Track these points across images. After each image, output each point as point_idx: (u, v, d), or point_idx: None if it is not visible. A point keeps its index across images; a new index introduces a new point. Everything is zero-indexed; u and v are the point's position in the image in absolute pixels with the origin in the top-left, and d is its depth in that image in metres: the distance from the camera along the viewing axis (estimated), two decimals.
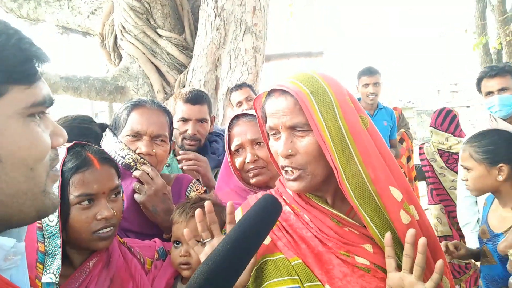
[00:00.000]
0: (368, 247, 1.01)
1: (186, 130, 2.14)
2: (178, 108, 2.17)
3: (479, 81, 2.57)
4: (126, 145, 1.47)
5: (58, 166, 0.70)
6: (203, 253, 1.08)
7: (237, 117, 1.65)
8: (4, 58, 0.58)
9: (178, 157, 1.99)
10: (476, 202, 2.54)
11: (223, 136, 2.34)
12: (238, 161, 1.58)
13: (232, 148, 1.60)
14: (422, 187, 4.73)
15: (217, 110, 3.89)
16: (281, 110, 1.02)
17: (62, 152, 1.19)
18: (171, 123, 1.63)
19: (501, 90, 2.43)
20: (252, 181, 1.54)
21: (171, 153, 2.25)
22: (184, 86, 4.05)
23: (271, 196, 0.87)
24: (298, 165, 1.02)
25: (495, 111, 2.45)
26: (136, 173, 1.44)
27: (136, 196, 1.46)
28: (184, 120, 2.15)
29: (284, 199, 1.12)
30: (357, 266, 0.98)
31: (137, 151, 1.48)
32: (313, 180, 1.03)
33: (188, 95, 2.15)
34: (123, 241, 1.31)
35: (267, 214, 0.85)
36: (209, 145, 2.29)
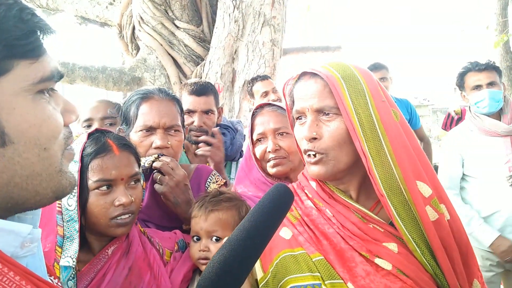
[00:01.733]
0: (393, 246, 0.96)
1: (193, 122, 2.08)
2: (184, 100, 2.10)
3: (463, 76, 2.53)
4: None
5: (73, 145, 0.66)
6: (217, 249, 1.06)
7: (261, 107, 1.62)
8: (5, 30, 0.53)
9: (201, 138, 1.93)
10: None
11: (231, 128, 2.32)
12: (259, 150, 1.55)
13: (254, 137, 1.57)
14: None
15: (233, 103, 3.88)
16: (310, 93, 1.01)
17: (83, 138, 1.19)
18: (182, 111, 1.60)
19: (490, 84, 2.41)
20: (272, 171, 1.51)
21: None
22: (201, 78, 4.04)
23: (283, 185, 0.86)
24: (322, 150, 1.00)
25: (483, 106, 2.41)
26: (156, 164, 1.42)
27: (156, 186, 1.43)
28: (190, 112, 2.09)
29: (306, 193, 1.09)
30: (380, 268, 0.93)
31: (153, 145, 1.46)
32: (335, 166, 1.00)
33: (193, 87, 2.10)
34: (144, 230, 1.30)
35: (280, 203, 0.82)
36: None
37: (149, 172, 1.45)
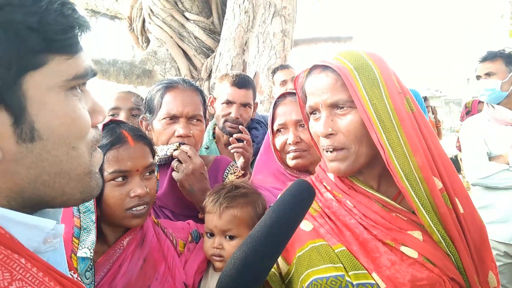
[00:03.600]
0: (418, 234, 0.95)
1: (229, 113, 2.12)
2: (224, 91, 2.15)
3: (477, 68, 2.56)
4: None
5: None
6: (231, 247, 1.15)
7: (283, 96, 1.59)
8: (45, 24, 0.52)
9: (235, 135, 1.94)
10: None
11: (264, 123, 2.32)
12: (279, 141, 1.53)
13: (275, 127, 1.55)
14: None
15: (256, 100, 3.85)
16: (321, 88, 0.98)
17: None
18: (204, 101, 1.61)
19: (487, 74, 2.43)
20: (291, 163, 1.50)
21: (210, 135, 2.24)
22: (211, 71, 4.03)
23: (305, 181, 0.84)
24: (340, 145, 0.98)
25: (480, 95, 2.47)
26: (175, 153, 1.44)
27: (174, 174, 1.45)
28: (229, 103, 2.13)
29: (325, 186, 1.07)
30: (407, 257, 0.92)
31: (176, 134, 1.48)
32: (356, 161, 0.98)
33: (235, 78, 2.14)
34: (158, 221, 1.30)
35: (302, 199, 0.81)
36: (248, 132, 2.26)
37: (170, 160, 1.46)
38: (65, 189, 0.58)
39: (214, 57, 4.00)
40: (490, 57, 2.48)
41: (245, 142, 1.91)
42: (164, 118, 1.49)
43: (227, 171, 1.65)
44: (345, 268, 0.91)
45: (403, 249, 0.93)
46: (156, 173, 1.26)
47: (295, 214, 0.80)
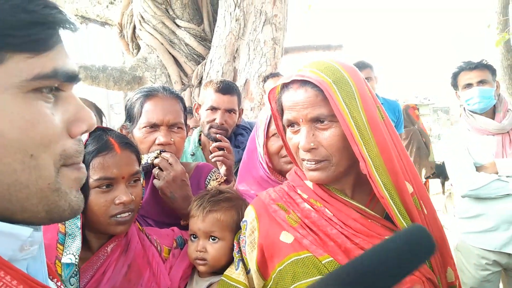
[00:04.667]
0: None
1: (214, 119, 2.13)
2: (208, 97, 2.17)
3: (456, 75, 2.56)
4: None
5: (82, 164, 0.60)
6: (214, 250, 1.17)
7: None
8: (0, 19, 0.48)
9: (214, 145, 1.95)
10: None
11: (250, 129, 2.33)
12: (275, 145, 1.48)
13: (271, 129, 1.49)
14: (434, 185, 4.64)
15: (241, 106, 3.86)
16: (301, 103, 0.99)
17: (84, 135, 1.18)
18: (185, 108, 1.62)
19: (480, 82, 2.43)
20: (288, 167, 1.44)
21: (196, 142, 2.24)
22: (202, 77, 4.03)
23: (424, 229, 0.69)
24: (322, 158, 0.99)
25: (473, 103, 2.44)
26: (156, 160, 1.44)
27: (155, 181, 1.45)
28: (213, 109, 2.14)
29: (300, 195, 1.07)
30: None
31: (156, 142, 1.48)
32: (336, 170, 1.00)
33: (219, 85, 2.16)
34: (142, 228, 1.30)
35: (416, 253, 0.66)
36: (234, 138, 2.27)
37: (151, 168, 1.46)
38: (25, 205, 0.52)
39: (205, 64, 4.01)
40: (480, 66, 2.48)
41: (225, 149, 1.91)
42: (145, 127, 1.49)
43: (209, 177, 1.66)
44: None
45: None
46: (141, 181, 1.26)
47: (397, 271, 0.63)
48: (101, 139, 1.16)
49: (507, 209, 2.32)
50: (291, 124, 1.03)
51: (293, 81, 1.02)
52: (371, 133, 0.97)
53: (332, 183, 1.05)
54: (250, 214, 1.10)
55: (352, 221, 0.99)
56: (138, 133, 1.50)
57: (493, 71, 2.51)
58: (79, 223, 1.08)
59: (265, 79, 3.30)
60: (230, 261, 1.20)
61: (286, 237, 1.00)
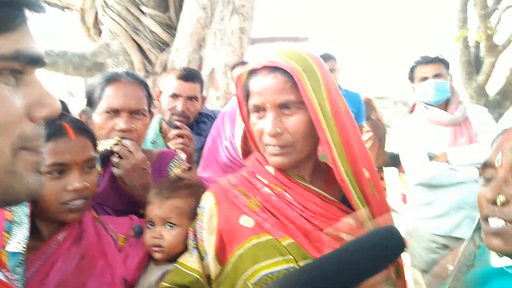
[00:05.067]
0: (351, 221, 1.03)
1: (176, 106, 2.10)
2: (170, 84, 2.13)
3: (413, 69, 2.66)
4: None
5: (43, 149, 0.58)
6: (170, 237, 1.17)
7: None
8: None
9: (174, 131, 1.93)
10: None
11: (212, 118, 2.31)
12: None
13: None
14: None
15: (204, 93, 3.82)
16: (270, 88, 1.01)
17: None
18: (149, 95, 1.58)
19: (436, 75, 2.53)
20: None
21: (157, 129, 2.20)
22: (166, 65, 3.96)
23: (396, 229, 0.77)
24: (287, 143, 1.02)
25: (429, 96, 2.54)
26: (116, 148, 1.40)
27: (114, 170, 1.41)
28: (175, 96, 2.11)
29: (260, 180, 1.09)
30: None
31: (117, 128, 1.43)
32: (298, 156, 1.04)
33: (181, 72, 2.13)
34: (98, 217, 1.26)
35: (387, 252, 0.70)
36: (196, 125, 2.25)
37: (110, 155, 1.42)
38: None
39: (170, 52, 3.94)
40: (436, 60, 2.59)
41: (185, 137, 1.90)
42: (105, 112, 1.44)
43: (171, 164, 1.63)
44: (295, 259, 0.95)
45: (343, 235, 0.99)
46: (98, 167, 1.23)
47: (367, 268, 0.67)
48: (54, 123, 1.12)
49: (457, 196, 2.45)
50: (258, 109, 1.04)
51: (263, 67, 1.03)
52: (334, 121, 1.02)
53: (292, 169, 1.08)
54: (209, 200, 1.10)
55: (312, 204, 1.03)
56: (97, 118, 1.45)
57: (447, 65, 2.62)
58: (27, 211, 1.04)
59: (234, 67, 3.34)
60: (186, 249, 1.19)
61: (247, 221, 1.03)
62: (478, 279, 0.86)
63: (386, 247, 0.67)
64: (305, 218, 1.01)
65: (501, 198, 0.75)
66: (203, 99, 2.26)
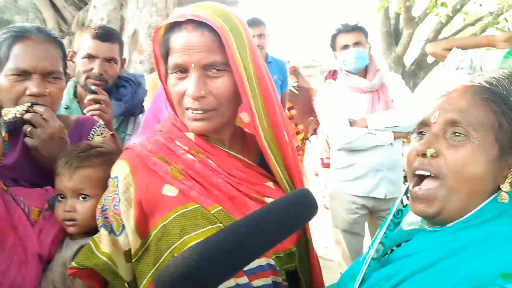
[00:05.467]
0: (271, 184, 1.05)
1: (92, 69, 1.92)
2: (84, 44, 1.94)
3: (334, 37, 2.77)
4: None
5: None
6: (84, 209, 1.10)
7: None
8: None
9: (89, 97, 1.78)
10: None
11: (133, 82, 2.17)
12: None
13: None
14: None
15: (123, 55, 3.61)
16: (196, 46, 0.92)
17: None
18: (65, 55, 1.44)
19: (356, 44, 2.66)
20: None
21: (71, 94, 2.03)
22: (83, 25, 3.66)
23: (310, 192, 0.76)
24: (210, 107, 0.96)
25: (349, 64, 2.68)
26: (27, 116, 1.25)
27: (27, 140, 1.26)
28: (90, 57, 1.92)
29: (180, 146, 1.02)
30: None
31: (27, 92, 1.28)
32: (220, 121, 0.99)
33: (97, 30, 1.93)
34: (7, 188, 1.15)
35: (301, 213, 0.72)
36: (115, 90, 2.10)
37: (20, 123, 1.27)
38: None
39: (88, 10, 3.64)
40: (356, 29, 2.70)
41: (102, 103, 1.79)
42: (13, 74, 1.28)
43: (93, 132, 1.52)
44: (224, 226, 0.92)
45: (267, 199, 1.00)
46: (3, 134, 1.10)
47: (277, 226, 0.68)
48: None
49: (374, 159, 2.64)
50: (179, 69, 0.95)
51: (187, 22, 0.94)
52: (258, 86, 0.98)
53: (212, 134, 1.03)
54: (122, 169, 1.00)
55: (235, 170, 1.01)
56: (3, 80, 1.28)
57: (366, 33, 2.75)
58: None
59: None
60: None
61: (170, 190, 0.96)
62: (403, 236, 0.91)
63: (302, 208, 0.71)
64: (230, 184, 0.99)
65: (431, 151, 0.78)
66: (123, 61, 2.10)
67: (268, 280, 0.97)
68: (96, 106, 1.76)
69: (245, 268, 0.90)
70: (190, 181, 0.97)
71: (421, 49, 7.51)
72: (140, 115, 2.19)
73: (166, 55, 0.98)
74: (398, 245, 0.91)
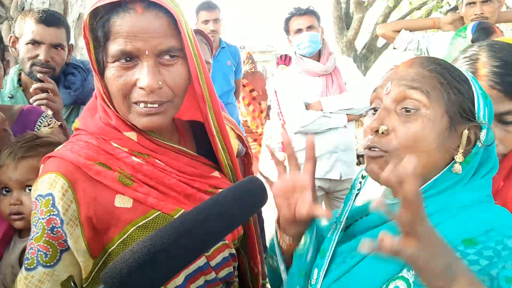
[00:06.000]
0: (217, 173, 1.01)
1: (37, 55, 1.80)
2: (28, 28, 1.81)
3: (288, 21, 2.81)
4: None
5: None
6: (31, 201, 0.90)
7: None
8: None
9: (35, 85, 1.67)
10: None
11: (82, 68, 2.07)
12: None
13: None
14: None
15: (70, 41, 3.41)
16: (151, 30, 0.81)
17: None
18: (1, 40, 1.36)
19: (309, 27, 2.72)
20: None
21: (15, 82, 1.90)
22: (23, 9, 3.42)
23: (259, 180, 0.73)
24: (166, 99, 0.86)
25: (303, 48, 2.72)
26: None
27: None
28: (35, 43, 1.80)
29: (119, 148, 0.90)
30: None
31: None
32: (174, 114, 0.91)
33: (41, 14, 1.81)
34: None
35: (252, 201, 0.70)
36: (63, 78, 1.99)
37: None
38: None
39: None
40: (308, 12, 2.74)
41: (49, 91, 1.69)
42: None
43: (39, 123, 1.44)
44: None
45: (219, 190, 0.96)
46: None
47: (234, 216, 0.67)
48: None
49: (329, 141, 2.70)
50: (125, 57, 0.82)
51: (133, 1, 0.82)
52: (203, 73, 0.92)
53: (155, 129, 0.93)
54: (57, 184, 0.83)
55: (185, 166, 0.94)
56: None
57: (318, 17, 2.79)
58: None
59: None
60: None
61: (123, 201, 0.86)
62: (364, 210, 0.92)
63: (252, 196, 0.70)
64: (184, 183, 0.92)
65: (383, 128, 0.78)
66: (70, 47, 1.99)
67: (231, 268, 0.97)
68: (43, 95, 1.66)
69: (212, 264, 0.91)
70: (143, 187, 0.87)
71: (371, 33, 7.71)
72: None
73: (104, 40, 0.83)
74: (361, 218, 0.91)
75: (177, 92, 0.88)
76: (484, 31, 1.91)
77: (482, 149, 0.80)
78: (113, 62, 0.84)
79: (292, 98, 2.72)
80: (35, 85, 1.69)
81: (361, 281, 0.76)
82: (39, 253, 0.81)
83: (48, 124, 1.47)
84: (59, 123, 1.53)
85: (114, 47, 0.82)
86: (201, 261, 0.89)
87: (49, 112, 1.65)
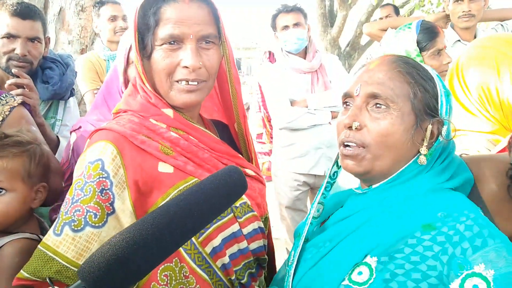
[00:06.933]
0: (241, 156, 1.13)
1: (13, 50, 1.76)
2: (2, 22, 1.76)
3: (275, 18, 2.83)
4: None
5: None
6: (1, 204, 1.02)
7: None
8: None
9: (9, 82, 1.64)
10: None
11: (60, 63, 2.03)
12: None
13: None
14: None
15: (47, 34, 3.33)
16: (196, 18, 0.96)
17: None
18: None
19: (296, 24, 2.74)
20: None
21: None
22: None
23: (238, 169, 0.74)
24: (203, 78, 0.99)
25: (290, 44, 2.74)
26: None
27: None
28: (11, 37, 1.76)
29: (158, 124, 1.00)
30: (248, 175, 1.09)
31: None
32: (207, 94, 1.04)
33: (16, 7, 1.76)
34: None
35: (231, 191, 0.71)
36: (41, 72, 1.94)
37: None
38: None
39: None
40: (295, 9, 2.75)
41: (25, 87, 1.66)
42: None
43: None
44: None
45: (246, 171, 1.09)
46: None
47: (214, 205, 0.67)
48: None
49: (314, 137, 2.73)
50: (172, 40, 0.96)
51: None
52: (230, 60, 1.07)
53: (183, 111, 1.06)
54: (107, 150, 0.91)
55: (216, 144, 1.05)
56: None
57: (305, 15, 2.81)
58: None
59: (102, 3, 2.87)
60: (24, 217, 1.09)
61: (166, 168, 0.96)
62: (338, 203, 0.99)
63: (232, 185, 0.72)
64: (216, 159, 1.03)
65: (355, 124, 0.85)
66: (47, 40, 1.95)
67: (261, 243, 1.06)
68: (19, 91, 1.63)
69: (244, 232, 1.01)
70: (182, 157, 0.98)
71: (355, 31, 7.76)
72: (71, 99, 2.07)
73: (154, 26, 0.97)
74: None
75: (212, 73, 1.01)
76: (428, 31, 1.93)
77: (443, 142, 0.87)
78: (161, 45, 0.97)
79: (278, 94, 2.74)
80: (10, 80, 1.66)
81: (331, 268, 0.83)
82: (88, 213, 0.86)
83: (7, 102, 1.44)
84: (19, 101, 1.51)
85: (163, 31, 0.96)
86: (235, 226, 0.99)
87: (13, 92, 1.61)
